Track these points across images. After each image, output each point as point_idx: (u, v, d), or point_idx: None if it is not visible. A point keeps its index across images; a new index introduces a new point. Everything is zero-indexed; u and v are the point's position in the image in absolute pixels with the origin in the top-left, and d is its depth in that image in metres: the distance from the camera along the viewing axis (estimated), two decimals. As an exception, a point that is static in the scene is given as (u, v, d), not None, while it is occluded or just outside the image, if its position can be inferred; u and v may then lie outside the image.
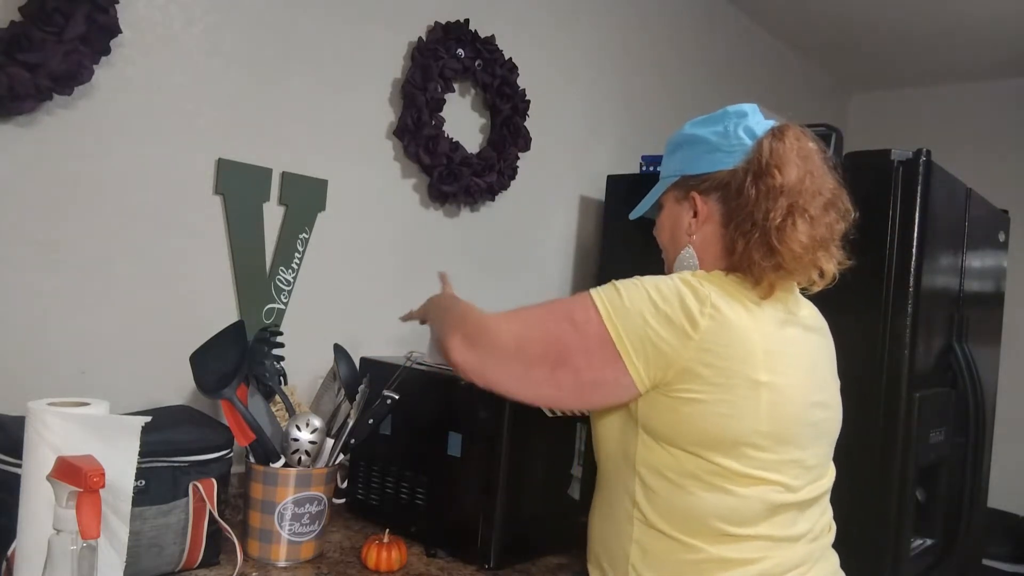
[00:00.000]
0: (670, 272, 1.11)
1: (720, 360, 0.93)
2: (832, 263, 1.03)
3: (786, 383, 0.96)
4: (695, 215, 1.08)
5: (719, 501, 0.95)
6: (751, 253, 0.99)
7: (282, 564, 1.17)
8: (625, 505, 1.02)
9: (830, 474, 1.09)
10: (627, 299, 0.95)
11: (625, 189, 2.15)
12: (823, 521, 1.07)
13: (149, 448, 0.98)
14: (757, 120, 1.06)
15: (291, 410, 1.30)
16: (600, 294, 0.97)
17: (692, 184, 1.08)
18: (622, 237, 2.14)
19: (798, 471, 0.99)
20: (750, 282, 1.00)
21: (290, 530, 1.17)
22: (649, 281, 0.97)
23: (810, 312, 1.10)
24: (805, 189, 0.99)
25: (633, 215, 1.23)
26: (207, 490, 1.10)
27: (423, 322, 1.29)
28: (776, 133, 1.03)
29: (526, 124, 1.98)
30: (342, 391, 1.31)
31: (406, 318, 1.33)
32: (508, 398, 1.04)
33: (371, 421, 1.27)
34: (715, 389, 0.93)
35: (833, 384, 1.09)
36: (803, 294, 1.10)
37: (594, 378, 0.95)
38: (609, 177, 2.21)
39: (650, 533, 0.99)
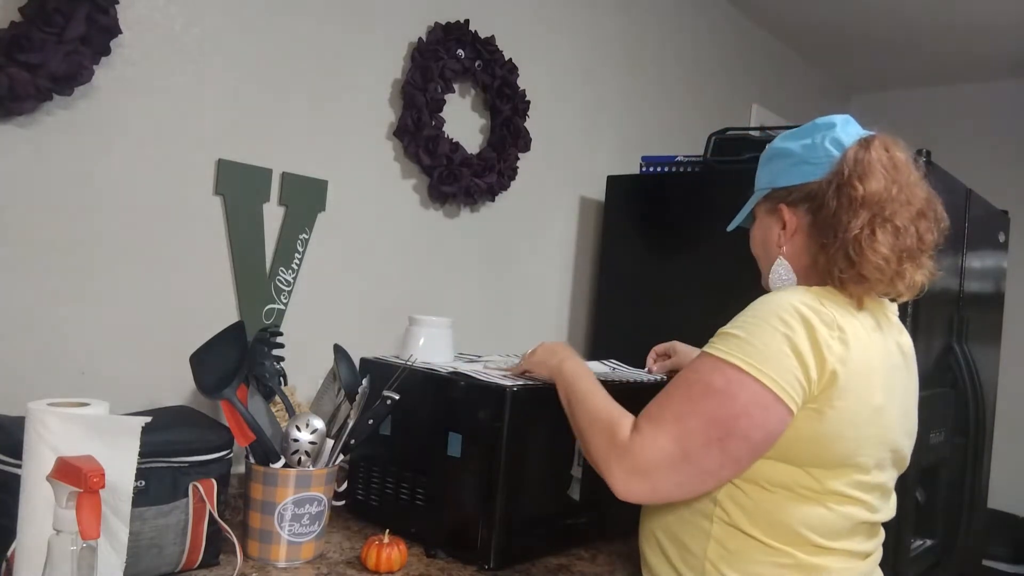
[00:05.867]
0: (765, 283, 1.13)
1: (849, 383, 0.94)
2: (921, 273, 1.02)
3: (891, 408, 0.99)
4: (783, 227, 1.08)
5: (811, 512, 0.97)
6: (831, 266, 1.00)
7: (282, 565, 1.17)
8: (704, 503, 1.02)
9: (895, 497, 1.12)
10: (758, 341, 0.93)
11: (625, 189, 2.15)
12: (880, 540, 1.10)
13: (149, 448, 0.98)
14: (846, 131, 1.05)
15: (291, 411, 1.30)
16: (724, 350, 0.95)
17: (780, 196, 1.09)
18: (622, 238, 2.14)
19: (880, 493, 1.03)
20: (844, 296, 1.00)
21: (290, 531, 1.17)
22: (767, 313, 0.96)
23: (905, 338, 1.11)
24: (892, 199, 0.99)
25: (730, 227, 1.23)
26: (207, 490, 1.10)
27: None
28: (863, 143, 1.03)
29: (526, 124, 1.98)
30: (342, 391, 1.31)
31: (512, 371, 1.34)
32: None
33: (371, 421, 1.27)
34: (842, 413, 0.94)
35: (915, 414, 1.12)
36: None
37: (765, 434, 0.93)
38: (609, 177, 2.21)
39: (731, 533, 1.00)
